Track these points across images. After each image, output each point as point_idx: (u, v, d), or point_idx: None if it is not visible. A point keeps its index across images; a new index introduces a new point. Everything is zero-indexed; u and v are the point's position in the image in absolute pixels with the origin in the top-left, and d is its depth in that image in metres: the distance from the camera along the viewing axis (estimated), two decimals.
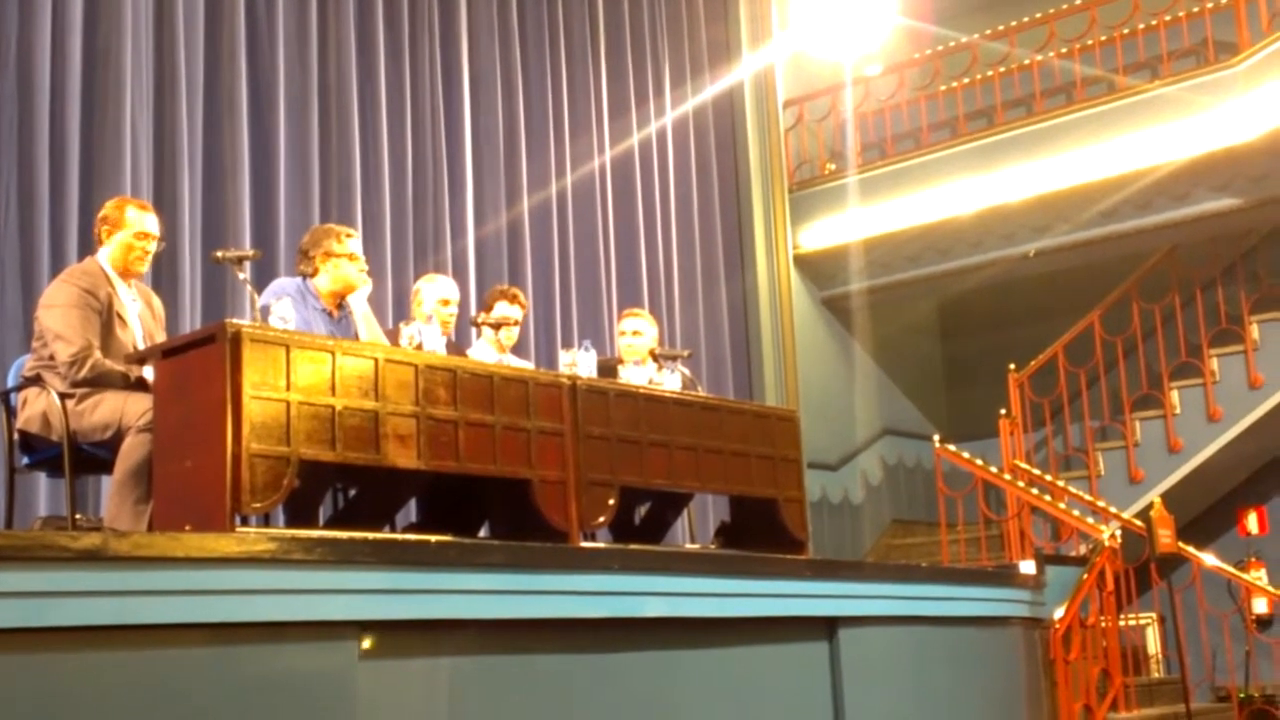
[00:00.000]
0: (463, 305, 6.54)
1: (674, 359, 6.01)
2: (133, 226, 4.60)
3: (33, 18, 5.96)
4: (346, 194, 7.19)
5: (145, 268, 4.73)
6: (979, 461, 8.03)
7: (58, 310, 4.38)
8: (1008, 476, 8.05)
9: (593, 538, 5.05)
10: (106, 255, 4.59)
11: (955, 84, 9.78)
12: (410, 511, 5.32)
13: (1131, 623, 7.97)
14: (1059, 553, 7.46)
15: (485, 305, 6.10)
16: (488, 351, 5.75)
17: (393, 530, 5.03)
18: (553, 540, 4.43)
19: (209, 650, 3.28)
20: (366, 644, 3.56)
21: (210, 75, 6.72)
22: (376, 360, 4.11)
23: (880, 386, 10.47)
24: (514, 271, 8.04)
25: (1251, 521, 9.36)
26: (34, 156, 5.89)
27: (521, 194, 8.22)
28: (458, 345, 5.89)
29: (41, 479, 5.44)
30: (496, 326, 5.76)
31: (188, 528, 3.64)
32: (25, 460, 4.54)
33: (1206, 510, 9.37)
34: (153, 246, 4.68)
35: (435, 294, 5.71)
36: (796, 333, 9.61)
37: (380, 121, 7.46)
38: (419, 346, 4.55)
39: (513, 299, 6.00)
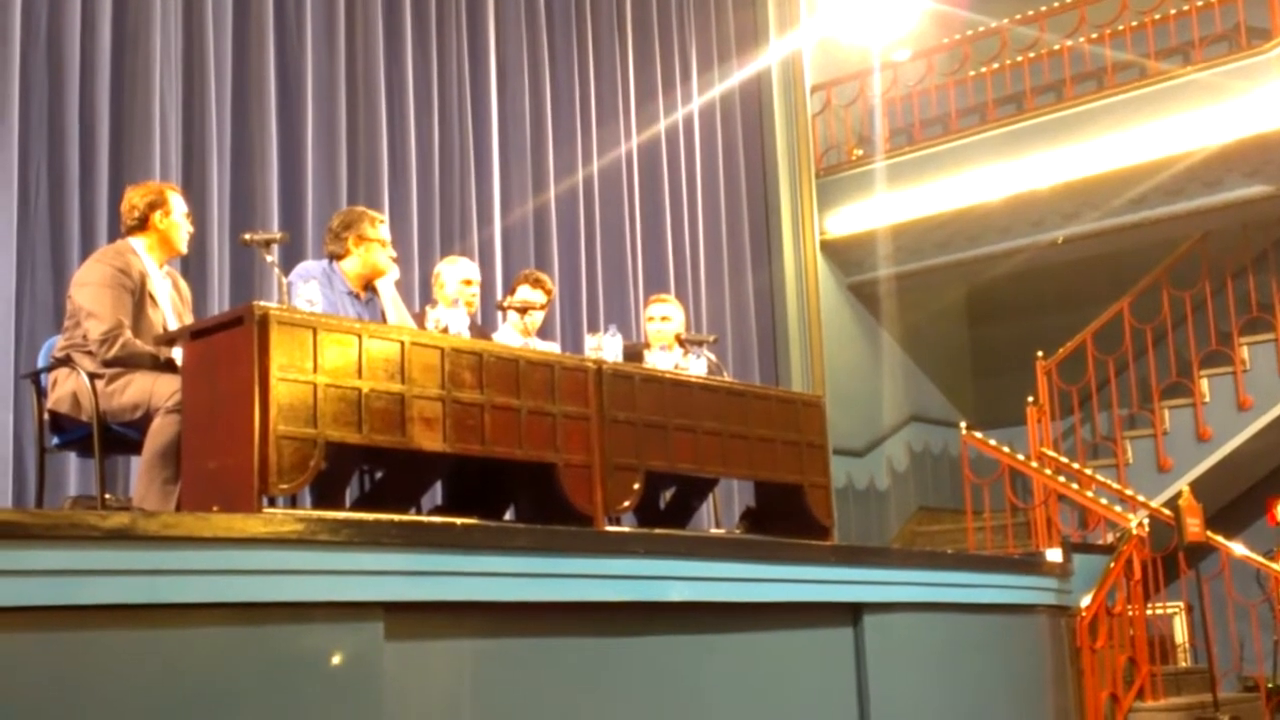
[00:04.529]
0: (489, 290, 6.56)
1: (700, 344, 6.01)
2: (179, 208, 4.68)
3: (63, 1, 5.99)
4: (373, 179, 7.21)
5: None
6: (1006, 449, 7.99)
7: (91, 288, 4.41)
8: (1035, 464, 8.02)
9: (618, 522, 5.06)
10: (149, 238, 4.61)
11: (985, 69, 9.72)
12: (436, 494, 5.34)
13: (1159, 612, 7.93)
14: (1086, 541, 7.42)
15: (511, 290, 6.11)
16: (512, 336, 5.76)
17: (418, 513, 5.06)
18: (578, 524, 4.43)
19: (235, 630, 3.30)
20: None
21: (239, 59, 6.74)
22: (403, 343, 4.12)
23: (907, 373, 10.43)
24: (540, 257, 8.04)
25: None
26: (64, 140, 5.92)
27: (548, 180, 8.21)
28: (482, 328, 5.90)
29: (71, 459, 5.48)
30: (521, 311, 5.77)
31: (215, 508, 3.66)
32: (55, 440, 4.57)
33: (1235, 499, 9.30)
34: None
35: (457, 275, 5.72)
36: (823, 319, 9.59)
37: (408, 107, 7.47)
38: (445, 330, 4.57)
39: (535, 283, 6.01)
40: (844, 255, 9.86)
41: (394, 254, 5.12)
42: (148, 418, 4.19)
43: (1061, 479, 7.87)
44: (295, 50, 7.00)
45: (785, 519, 5.35)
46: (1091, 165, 8.70)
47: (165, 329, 4.49)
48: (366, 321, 4.48)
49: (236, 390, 3.78)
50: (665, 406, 4.85)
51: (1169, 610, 8.52)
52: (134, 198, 4.66)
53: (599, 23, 8.80)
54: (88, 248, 5.65)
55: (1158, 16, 8.97)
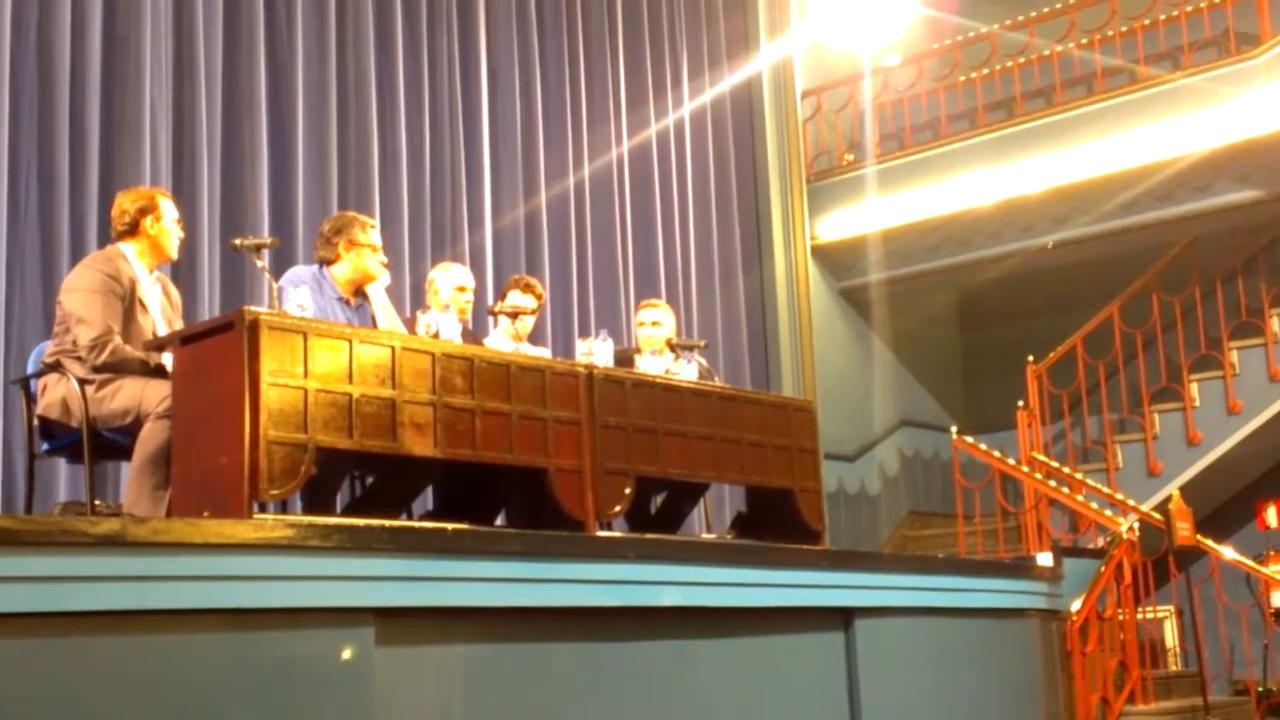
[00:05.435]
0: (480, 295, 6.55)
1: (691, 349, 6.01)
2: (170, 214, 4.67)
3: (53, 3, 5.98)
4: (364, 183, 7.20)
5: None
6: (996, 453, 8.00)
7: (80, 294, 4.40)
8: (1025, 469, 8.03)
9: (609, 527, 5.05)
10: (139, 243, 4.61)
11: (975, 74, 9.74)
12: (427, 499, 5.33)
13: (1149, 616, 7.94)
14: (1076, 545, 7.43)
15: (502, 295, 6.11)
16: (503, 341, 5.75)
17: (409, 518, 5.05)
18: (569, 529, 4.44)
19: (226, 635, 3.29)
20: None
21: (229, 63, 6.73)
22: (393, 348, 4.12)
23: (898, 378, 10.44)
24: (532, 262, 8.03)
25: (1271, 515, 9.32)
26: (54, 143, 5.91)
27: (539, 185, 8.21)
28: (474, 333, 5.89)
29: (61, 465, 5.47)
30: (512, 316, 5.77)
31: (206, 514, 3.66)
32: (45, 446, 4.56)
33: (1225, 503, 9.32)
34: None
35: (451, 282, 5.72)
36: (814, 323, 9.60)
37: (398, 112, 7.46)
38: (435, 335, 4.56)
39: (526, 288, 6.03)
40: (835, 260, 9.87)
41: (384, 259, 5.11)
42: (138, 423, 4.19)
43: (1052, 483, 7.88)
44: (286, 54, 6.99)
45: (776, 524, 5.36)
46: (1081, 170, 8.72)
47: (155, 334, 4.48)
48: (357, 327, 4.48)
49: (227, 395, 3.77)
50: (656, 411, 4.85)
51: (1159, 614, 8.53)
52: (124, 203, 4.65)
53: (590, 27, 8.81)
54: (78, 253, 5.64)
55: (1147, 22, 9.00)
